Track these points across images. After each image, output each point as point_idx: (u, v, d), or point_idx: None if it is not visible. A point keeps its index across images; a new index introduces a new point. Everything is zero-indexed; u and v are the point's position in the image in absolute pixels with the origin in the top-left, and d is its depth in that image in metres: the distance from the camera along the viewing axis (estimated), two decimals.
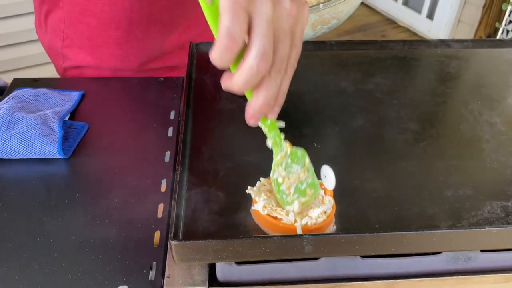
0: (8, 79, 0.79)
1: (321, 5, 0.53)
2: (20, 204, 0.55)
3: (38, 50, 1.56)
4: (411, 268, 0.49)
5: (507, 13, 2.26)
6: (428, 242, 0.44)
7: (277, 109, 0.40)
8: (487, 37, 2.46)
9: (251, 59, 0.34)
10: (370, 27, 2.99)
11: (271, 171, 0.45)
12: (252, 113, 0.38)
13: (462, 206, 0.50)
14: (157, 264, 0.48)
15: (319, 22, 0.57)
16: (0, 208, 0.54)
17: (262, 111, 0.38)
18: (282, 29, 0.35)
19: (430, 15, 2.81)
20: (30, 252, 0.50)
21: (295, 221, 0.45)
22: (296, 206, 0.44)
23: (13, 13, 1.51)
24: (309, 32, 0.58)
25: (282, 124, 0.43)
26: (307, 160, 0.46)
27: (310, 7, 0.55)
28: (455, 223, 0.48)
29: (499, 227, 0.45)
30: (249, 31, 0.34)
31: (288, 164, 0.44)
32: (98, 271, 0.48)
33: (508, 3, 2.20)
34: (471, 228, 0.46)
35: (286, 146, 0.44)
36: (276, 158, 0.44)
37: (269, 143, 0.44)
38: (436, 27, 2.77)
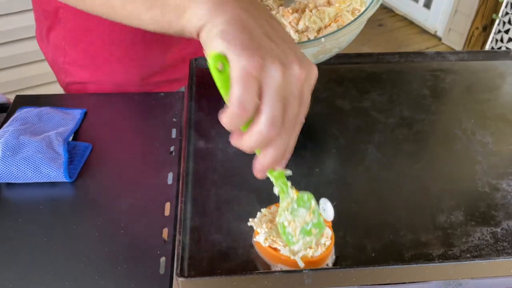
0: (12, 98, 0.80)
1: (322, 39, 0.55)
2: (29, 229, 0.57)
3: (40, 70, 1.62)
4: None
5: (503, 5, 2.26)
6: (420, 273, 0.47)
7: (284, 162, 0.41)
8: (484, 28, 2.47)
9: (261, 125, 0.35)
10: None
11: (277, 215, 0.47)
12: (260, 169, 0.40)
13: (454, 232, 0.53)
14: None
15: (321, 52, 0.59)
16: (9, 235, 0.56)
17: (269, 167, 0.39)
18: (292, 93, 0.36)
19: (427, 4, 2.80)
20: (42, 279, 0.52)
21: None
22: (301, 245, 0.46)
23: (18, 36, 1.55)
24: (311, 60, 0.60)
25: (289, 172, 0.44)
26: (313, 202, 0.47)
27: (312, 40, 0.57)
28: (447, 250, 0.51)
29: (487, 259, 0.48)
30: (260, 97, 0.35)
31: (295, 209, 0.46)
32: None
33: None
34: (459, 261, 0.48)
35: (293, 193, 0.46)
36: (283, 205, 0.46)
37: (276, 190, 0.46)
38: (433, 17, 2.76)
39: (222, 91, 0.36)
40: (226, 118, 0.35)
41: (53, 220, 0.59)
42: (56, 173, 0.62)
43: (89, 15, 0.72)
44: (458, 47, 2.64)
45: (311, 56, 0.59)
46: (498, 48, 2.29)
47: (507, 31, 2.22)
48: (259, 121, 0.35)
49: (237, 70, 0.33)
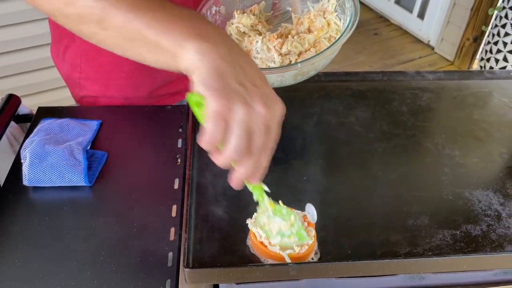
0: (31, 100, 0.89)
1: (299, 65, 0.64)
2: (55, 228, 0.66)
3: (56, 75, 1.74)
4: (376, 285, 0.61)
5: (493, 17, 2.36)
6: (388, 268, 0.56)
7: (257, 178, 0.49)
8: (474, 39, 2.57)
9: (228, 151, 0.44)
10: (363, 25, 3.08)
11: (256, 214, 0.58)
12: (235, 181, 0.49)
13: (419, 234, 0.62)
14: (171, 282, 0.60)
15: (299, 74, 0.68)
16: (38, 232, 0.65)
17: (241, 180, 0.49)
18: (257, 128, 0.44)
19: (421, 15, 2.90)
20: (68, 270, 0.61)
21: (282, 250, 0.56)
22: (278, 241, 0.56)
23: (40, 42, 1.65)
24: (290, 81, 0.69)
25: (265, 188, 0.54)
26: (292, 218, 0.56)
27: (290, 65, 0.66)
28: (412, 249, 0.60)
29: (445, 257, 0.57)
30: (228, 130, 0.43)
31: (270, 216, 0.56)
32: (125, 287, 0.59)
33: (494, 8, 2.29)
34: (420, 258, 0.57)
35: (267, 204, 0.56)
36: (258, 211, 0.57)
37: (254, 197, 0.56)
38: (427, 27, 2.86)
39: (200, 121, 0.46)
40: (200, 142, 0.44)
41: (75, 219, 0.68)
42: (77, 178, 0.71)
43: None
44: (450, 56, 2.74)
45: (291, 78, 0.68)
46: (487, 59, 2.38)
47: (496, 43, 2.32)
48: (227, 148, 0.44)
49: (209, 110, 0.42)
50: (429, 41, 2.89)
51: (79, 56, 0.87)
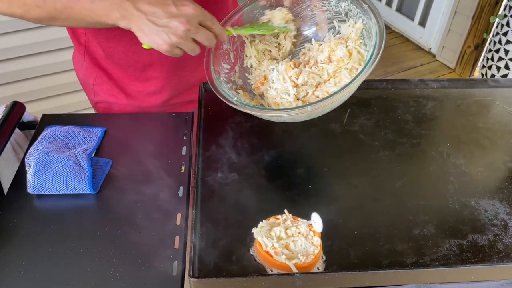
0: (35, 108, 0.90)
1: (309, 108, 0.60)
2: (59, 235, 0.66)
3: (63, 81, 1.77)
4: None
5: (494, 25, 2.37)
6: (395, 278, 0.55)
7: (224, 35, 0.68)
8: (475, 47, 2.57)
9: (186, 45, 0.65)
10: None
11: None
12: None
13: (426, 243, 0.62)
14: None
15: (313, 113, 0.65)
16: (42, 239, 0.65)
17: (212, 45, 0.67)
18: (184, 31, 0.62)
19: (422, 23, 2.91)
20: (72, 279, 0.60)
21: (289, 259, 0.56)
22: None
23: (44, 49, 1.68)
24: (303, 118, 0.67)
25: (231, 30, 0.71)
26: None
27: (300, 107, 0.64)
28: (419, 259, 0.60)
29: (452, 267, 0.56)
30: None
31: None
32: None
33: (496, 16, 2.30)
34: (428, 268, 0.57)
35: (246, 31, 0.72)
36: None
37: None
38: (428, 35, 2.87)
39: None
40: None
41: (79, 227, 0.67)
42: (81, 185, 0.70)
43: (107, 42, 0.83)
44: (452, 64, 2.74)
45: (303, 117, 0.66)
46: (489, 67, 2.38)
47: (497, 51, 2.32)
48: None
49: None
50: (430, 48, 2.90)
51: (96, 63, 0.88)
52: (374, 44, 0.62)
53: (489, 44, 2.41)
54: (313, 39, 0.76)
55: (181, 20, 0.61)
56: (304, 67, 0.71)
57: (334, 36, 0.74)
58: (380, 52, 0.60)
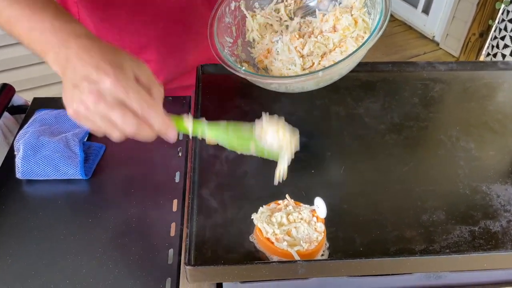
0: (28, 97, 0.86)
1: (320, 73, 0.58)
2: (49, 222, 0.63)
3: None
4: (390, 284, 0.57)
5: (500, 12, 2.32)
6: (403, 265, 0.52)
7: (170, 135, 0.52)
8: (480, 34, 2.52)
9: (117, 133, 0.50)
10: None
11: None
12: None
13: (435, 230, 0.58)
14: (171, 280, 0.56)
15: (321, 81, 0.63)
16: (31, 226, 0.62)
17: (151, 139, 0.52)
18: (103, 113, 0.48)
19: (426, 10, 2.85)
20: (62, 267, 0.57)
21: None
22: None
23: None
24: (312, 87, 0.65)
25: (188, 122, 0.55)
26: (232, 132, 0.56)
27: (311, 73, 0.60)
28: (428, 246, 0.56)
29: (463, 254, 0.53)
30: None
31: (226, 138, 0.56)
32: (122, 286, 0.56)
33: (502, 2, 2.25)
34: (438, 255, 0.54)
35: (208, 131, 0.56)
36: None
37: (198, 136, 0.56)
38: (431, 22, 2.82)
39: None
40: None
41: (71, 213, 0.64)
42: (73, 171, 0.67)
43: (101, 22, 0.79)
44: (455, 52, 2.70)
45: (312, 84, 0.63)
46: (494, 54, 2.34)
47: (503, 38, 2.28)
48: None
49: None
50: (433, 36, 2.85)
51: None
52: (381, 7, 0.61)
53: (494, 31, 2.36)
54: (316, 9, 0.74)
55: (91, 89, 0.47)
56: (309, 37, 0.68)
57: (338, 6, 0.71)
58: (388, 15, 0.59)
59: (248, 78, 0.61)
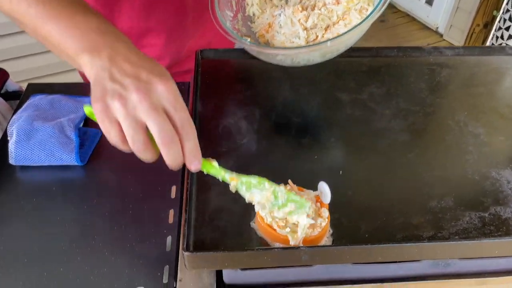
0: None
1: (328, 43, 0.57)
2: (43, 209, 0.61)
3: (52, 60, 1.67)
4: (397, 272, 0.55)
5: (504, 2, 2.28)
6: (411, 252, 0.50)
7: (196, 162, 0.46)
8: (485, 25, 2.49)
9: (130, 145, 0.44)
10: None
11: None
12: (169, 168, 0.46)
13: (444, 216, 0.56)
14: (170, 268, 0.54)
15: (328, 52, 0.61)
16: (25, 214, 0.60)
17: (173, 167, 0.46)
18: (143, 112, 0.43)
19: (429, 1, 2.81)
20: (56, 255, 0.55)
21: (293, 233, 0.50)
22: (277, 214, 0.51)
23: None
24: (318, 59, 0.63)
25: (214, 162, 0.50)
26: (267, 185, 0.51)
27: (318, 43, 0.59)
28: (437, 233, 0.54)
29: (474, 240, 0.51)
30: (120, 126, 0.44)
31: (244, 191, 0.50)
32: (118, 274, 0.53)
33: None
34: (447, 241, 0.51)
35: (229, 180, 0.50)
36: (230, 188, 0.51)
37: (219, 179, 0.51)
38: (435, 13, 2.78)
39: None
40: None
41: (65, 200, 0.62)
42: (68, 156, 0.65)
43: (102, 8, 0.76)
44: (459, 43, 2.66)
45: (318, 56, 0.61)
46: (498, 45, 2.31)
47: (507, 28, 2.24)
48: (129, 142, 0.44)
49: (95, 115, 0.44)
50: (437, 28, 2.81)
51: None
52: None
53: (499, 21, 2.33)
54: None
55: (139, 87, 0.43)
56: (312, 10, 0.66)
57: None
58: None
59: (254, 49, 0.59)
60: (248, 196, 0.50)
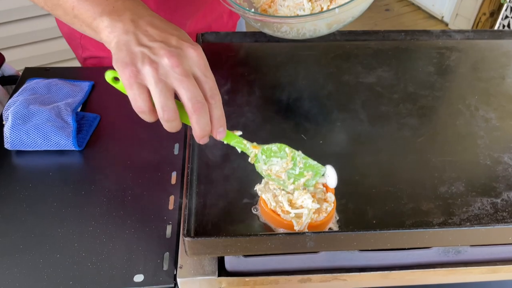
0: None
1: (337, 10, 0.55)
2: (39, 195, 0.59)
3: (53, 48, 1.65)
4: (405, 260, 0.53)
5: None
6: (421, 239, 0.48)
7: (221, 130, 0.46)
8: (491, 14, 2.45)
9: (158, 113, 0.43)
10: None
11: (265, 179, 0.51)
12: (197, 139, 0.46)
13: (455, 202, 0.54)
14: (170, 255, 0.52)
15: (334, 22, 0.59)
16: (20, 199, 0.58)
17: (202, 136, 0.45)
18: (175, 78, 0.41)
19: None
20: (52, 241, 0.53)
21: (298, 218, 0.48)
22: (290, 187, 0.49)
23: (32, 14, 1.58)
24: (324, 30, 0.61)
25: (239, 133, 0.50)
26: (288, 150, 0.50)
27: (326, 11, 0.57)
28: (447, 219, 0.52)
29: (486, 226, 0.49)
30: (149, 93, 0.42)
31: (265, 160, 0.50)
32: (116, 261, 0.52)
33: None
34: (459, 227, 0.49)
35: (251, 149, 0.50)
36: (250, 159, 0.50)
37: (239, 150, 0.51)
38: (441, 2, 2.74)
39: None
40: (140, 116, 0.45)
41: (62, 186, 0.60)
42: (65, 141, 0.63)
43: None
44: None
45: (325, 26, 0.59)
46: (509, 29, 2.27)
47: None
48: (156, 110, 0.43)
49: (122, 81, 0.42)
50: (442, 16, 2.77)
51: None
52: None
53: (506, 10, 2.29)
54: None
55: (171, 52, 0.42)
56: None
57: None
58: None
59: (258, 19, 0.57)
60: (265, 168, 0.50)
